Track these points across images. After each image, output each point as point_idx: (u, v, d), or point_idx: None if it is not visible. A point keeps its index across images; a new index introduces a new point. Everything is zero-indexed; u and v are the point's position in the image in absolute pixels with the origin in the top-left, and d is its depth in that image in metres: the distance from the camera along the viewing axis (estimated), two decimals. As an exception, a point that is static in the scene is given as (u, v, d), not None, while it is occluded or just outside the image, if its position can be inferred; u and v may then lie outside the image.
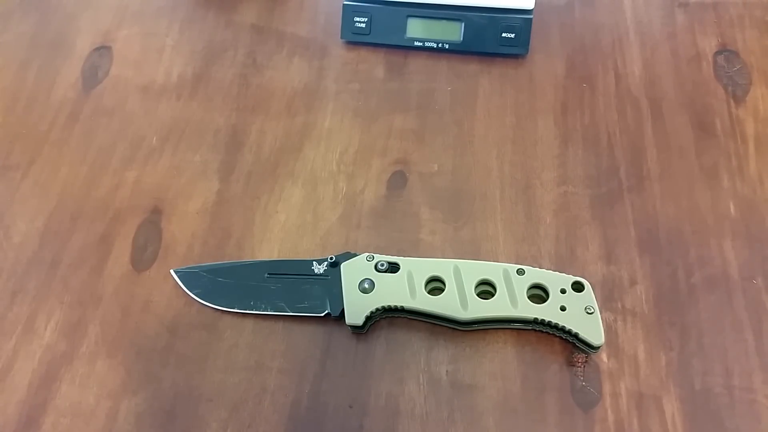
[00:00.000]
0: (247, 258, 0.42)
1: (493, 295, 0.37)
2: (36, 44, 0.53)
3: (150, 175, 0.46)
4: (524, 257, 0.41)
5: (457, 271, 0.38)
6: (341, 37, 0.51)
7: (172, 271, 0.41)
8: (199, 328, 0.39)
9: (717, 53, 0.49)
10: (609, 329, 0.38)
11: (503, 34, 0.48)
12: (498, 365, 0.37)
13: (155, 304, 0.40)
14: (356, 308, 0.37)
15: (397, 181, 0.44)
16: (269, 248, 0.42)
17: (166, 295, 0.40)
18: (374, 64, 0.50)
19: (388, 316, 0.39)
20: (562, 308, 0.36)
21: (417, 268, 0.38)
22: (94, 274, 0.42)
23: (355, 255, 0.39)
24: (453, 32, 0.49)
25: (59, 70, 0.51)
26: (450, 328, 0.38)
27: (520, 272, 0.37)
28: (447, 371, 0.37)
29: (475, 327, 0.38)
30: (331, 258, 0.39)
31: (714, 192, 0.43)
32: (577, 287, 0.37)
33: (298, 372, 0.38)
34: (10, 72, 0.52)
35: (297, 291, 0.39)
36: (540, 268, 0.39)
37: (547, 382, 0.37)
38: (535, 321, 0.37)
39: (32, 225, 0.44)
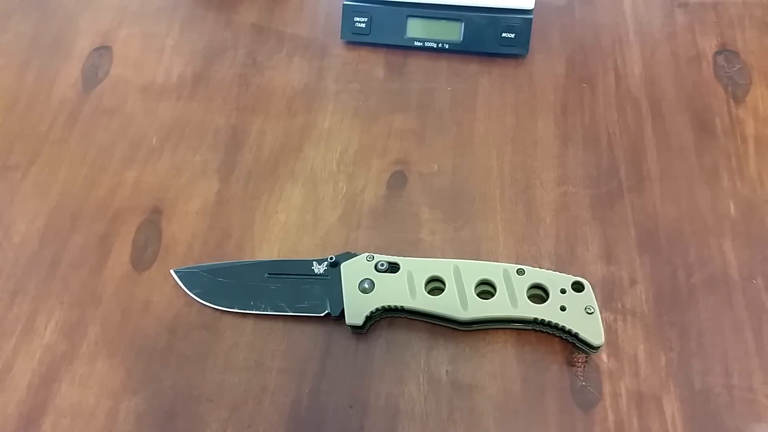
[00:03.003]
0: (247, 258, 0.42)
1: (493, 295, 0.37)
2: (36, 44, 0.53)
3: (150, 175, 0.46)
4: (524, 257, 0.41)
5: (457, 271, 0.38)
6: (341, 37, 0.51)
7: (172, 271, 0.41)
8: (199, 328, 0.39)
9: (717, 53, 0.49)
10: (609, 329, 0.38)
11: (503, 34, 0.48)
12: (498, 365, 0.37)
13: (155, 304, 0.40)
14: (356, 308, 0.37)
15: (397, 181, 0.44)
16: (269, 248, 0.42)
17: (166, 295, 0.40)
18: (374, 64, 0.50)
19: (388, 316, 0.39)
20: (562, 308, 0.36)
21: (417, 268, 0.38)
22: (94, 274, 0.42)
23: (355, 255, 0.39)
24: (453, 32, 0.49)
25: (59, 70, 0.51)
26: (450, 328, 0.38)
27: (520, 272, 0.37)
28: (447, 371, 0.37)
29: (475, 327, 0.38)
30: (331, 258, 0.39)
31: (714, 192, 0.43)
32: (577, 287, 0.37)
33: (298, 372, 0.38)
34: (10, 72, 0.52)
35: (297, 291, 0.39)
36: (540, 268, 0.39)
37: (547, 382, 0.37)
38: (535, 321, 0.37)
39: (32, 225, 0.44)
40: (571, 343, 0.37)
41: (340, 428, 0.36)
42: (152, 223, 0.43)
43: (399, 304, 0.37)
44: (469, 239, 0.42)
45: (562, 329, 0.36)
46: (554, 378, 0.37)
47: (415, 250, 0.41)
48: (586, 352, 0.37)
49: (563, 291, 0.37)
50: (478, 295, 0.37)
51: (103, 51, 0.52)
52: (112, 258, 0.42)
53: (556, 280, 0.37)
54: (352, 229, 0.42)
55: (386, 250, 0.41)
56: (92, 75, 0.51)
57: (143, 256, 0.42)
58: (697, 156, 0.44)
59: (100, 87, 0.50)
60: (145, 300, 0.40)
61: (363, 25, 0.50)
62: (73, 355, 0.39)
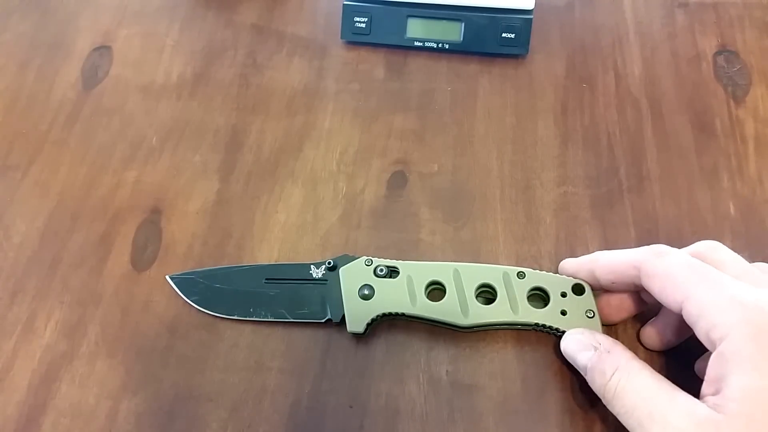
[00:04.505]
0: (247, 258, 0.41)
1: (493, 297, 0.37)
2: (36, 44, 0.53)
3: (150, 175, 0.46)
4: (524, 257, 0.41)
5: (456, 275, 0.37)
6: (341, 37, 0.51)
7: (167, 277, 0.41)
8: (199, 328, 0.39)
9: (717, 53, 0.49)
10: (609, 330, 0.38)
11: (503, 34, 0.48)
12: (498, 365, 0.37)
13: (155, 304, 0.40)
14: (357, 316, 0.37)
15: (397, 181, 0.44)
16: (269, 248, 0.42)
17: (166, 295, 0.40)
18: (374, 64, 0.50)
19: (389, 319, 0.39)
20: (563, 312, 0.36)
21: (416, 273, 0.38)
22: (94, 274, 0.42)
23: (353, 258, 0.39)
24: (453, 32, 0.49)
25: (59, 70, 0.51)
26: (450, 329, 0.38)
27: (521, 275, 0.37)
28: (447, 371, 0.37)
29: (476, 329, 0.38)
30: (329, 262, 0.39)
31: (714, 192, 0.43)
32: (578, 290, 0.37)
33: (299, 372, 0.38)
34: (10, 72, 0.52)
35: (296, 297, 0.39)
36: (540, 268, 0.39)
37: (547, 382, 0.37)
38: (536, 325, 0.37)
39: (32, 225, 0.44)
40: (571, 343, 0.37)
41: (340, 428, 0.36)
42: (152, 223, 0.43)
43: (399, 311, 0.37)
44: (469, 239, 0.42)
45: (563, 333, 0.36)
46: (554, 378, 0.37)
47: (415, 250, 0.41)
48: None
49: (564, 294, 0.37)
50: (478, 296, 0.37)
51: (103, 51, 0.52)
52: (112, 258, 0.42)
53: (556, 283, 0.37)
54: (352, 229, 0.42)
55: (386, 251, 0.41)
56: (92, 75, 0.51)
57: (143, 256, 0.42)
58: (697, 156, 0.44)
59: (100, 87, 0.50)
60: (145, 300, 0.40)
61: (363, 25, 0.50)
62: (73, 355, 0.39)
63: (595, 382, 0.33)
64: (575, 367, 0.35)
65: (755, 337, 0.28)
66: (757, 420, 0.27)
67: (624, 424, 0.31)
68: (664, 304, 0.32)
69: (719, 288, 0.30)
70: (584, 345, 0.34)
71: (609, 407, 0.32)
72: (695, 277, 0.31)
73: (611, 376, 0.32)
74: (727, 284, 0.30)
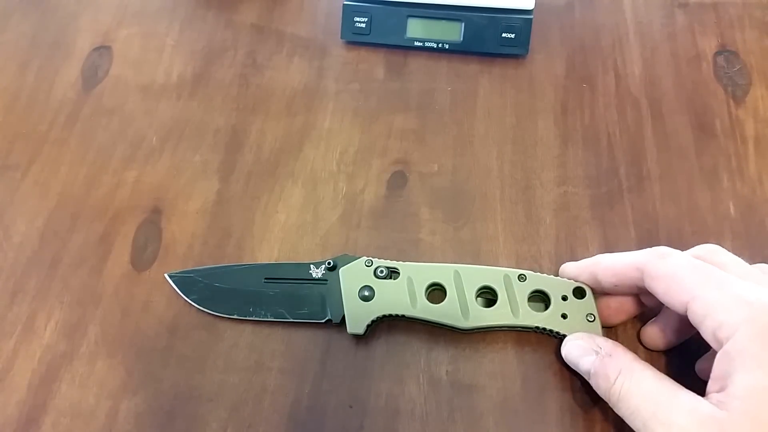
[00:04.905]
0: (247, 258, 0.41)
1: (494, 299, 0.37)
2: (36, 44, 0.53)
3: (150, 175, 0.46)
4: (524, 257, 0.41)
5: (457, 277, 0.37)
6: (341, 37, 0.51)
7: (166, 276, 0.41)
8: (199, 328, 0.39)
9: (717, 54, 0.49)
10: (609, 332, 0.38)
11: (503, 34, 0.48)
12: (498, 365, 0.37)
13: (155, 304, 0.40)
14: (357, 317, 0.37)
15: (397, 181, 0.44)
16: (269, 248, 0.42)
17: (166, 295, 0.40)
18: (374, 64, 0.50)
19: (389, 320, 0.38)
20: (563, 316, 0.36)
21: (417, 274, 0.38)
22: (94, 274, 0.42)
23: (353, 258, 0.39)
24: (453, 32, 0.49)
25: (59, 70, 0.51)
26: (450, 330, 0.38)
27: (522, 278, 0.37)
28: (447, 371, 0.37)
29: (476, 331, 0.38)
30: (329, 262, 0.39)
31: (714, 192, 0.43)
32: (579, 293, 0.37)
33: (299, 372, 0.38)
34: (10, 72, 0.52)
35: (296, 296, 0.39)
36: (540, 268, 0.39)
37: (547, 382, 0.37)
38: (536, 328, 0.37)
39: (32, 225, 0.44)
40: (571, 343, 0.37)
41: (340, 428, 0.36)
42: (152, 223, 0.43)
43: (400, 312, 0.37)
44: (469, 239, 0.42)
45: (564, 336, 0.36)
46: (554, 378, 0.37)
47: (415, 250, 0.41)
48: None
49: (564, 298, 0.37)
50: (479, 297, 0.37)
51: (103, 51, 0.52)
52: (112, 258, 0.42)
53: (557, 286, 0.37)
54: (352, 229, 0.42)
55: (386, 251, 0.41)
56: (92, 75, 0.51)
57: (143, 256, 0.42)
58: (697, 156, 0.44)
59: (100, 87, 0.50)
60: (145, 300, 0.40)
61: (363, 25, 0.50)
62: (73, 355, 0.39)
63: (600, 387, 0.33)
64: (578, 372, 0.35)
65: (760, 336, 0.28)
66: (761, 418, 0.27)
67: (630, 425, 0.31)
68: (669, 305, 0.32)
69: (725, 287, 0.30)
70: (585, 350, 0.34)
71: (615, 410, 0.32)
72: (700, 278, 0.31)
73: (615, 380, 0.32)
74: (733, 284, 0.30)
